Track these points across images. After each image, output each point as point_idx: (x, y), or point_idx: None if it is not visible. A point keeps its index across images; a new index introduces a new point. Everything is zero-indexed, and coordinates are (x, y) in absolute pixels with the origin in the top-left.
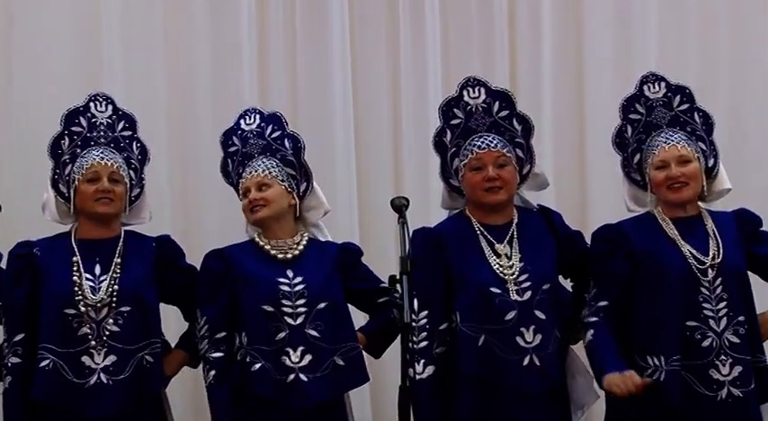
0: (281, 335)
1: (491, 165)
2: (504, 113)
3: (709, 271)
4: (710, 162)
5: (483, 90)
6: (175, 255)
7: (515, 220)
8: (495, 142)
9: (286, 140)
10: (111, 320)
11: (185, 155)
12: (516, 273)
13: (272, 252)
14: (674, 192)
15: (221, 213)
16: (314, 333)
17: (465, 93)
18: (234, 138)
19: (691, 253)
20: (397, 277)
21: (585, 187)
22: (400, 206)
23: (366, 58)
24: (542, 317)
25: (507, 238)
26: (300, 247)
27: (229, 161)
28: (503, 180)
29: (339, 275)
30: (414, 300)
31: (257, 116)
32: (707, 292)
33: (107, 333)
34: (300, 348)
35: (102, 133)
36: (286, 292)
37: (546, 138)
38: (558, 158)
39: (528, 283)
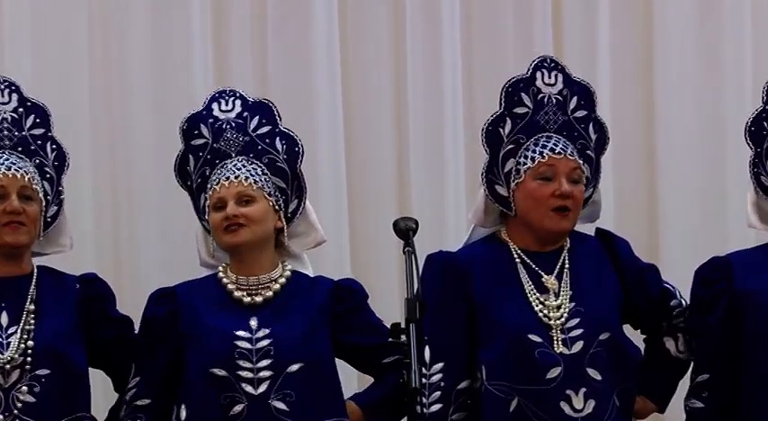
0: (237, 408)
1: (564, 178)
2: (581, 113)
3: None
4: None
5: (561, 77)
6: (105, 301)
7: (567, 246)
8: (570, 149)
9: (278, 140)
10: (24, 388)
11: (116, 161)
12: (565, 316)
13: (236, 294)
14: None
15: (167, 239)
16: (281, 406)
17: (539, 75)
18: (202, 126)
19: None
20: (402, 326)
21: (656, 207)
22: (407, 230)
23: (360, 46)
24: (597, 377)
25: (557, 270)
26: (277, 286)
27: (191, 157)
28: (575, 200)
29: (328, 326)
30: (425, 351)
31: (238, 102)
32: None
33: (18, 405)
34: None
35: (5, 132)
36: (244, 351)
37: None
38: (620, 170)
39: (579, 331)
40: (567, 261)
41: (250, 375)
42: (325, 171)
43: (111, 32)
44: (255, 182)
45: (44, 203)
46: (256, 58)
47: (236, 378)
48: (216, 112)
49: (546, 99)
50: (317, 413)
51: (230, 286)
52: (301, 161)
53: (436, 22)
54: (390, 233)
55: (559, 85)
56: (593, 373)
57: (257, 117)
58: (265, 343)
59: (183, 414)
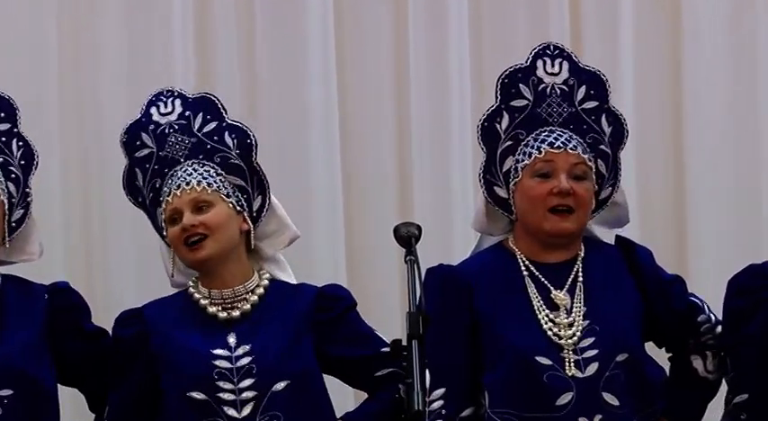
0: None
1: (564, 174)
2: (590, 104)
3: None
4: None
5: (566, 65)
6: (77, 312)
7: (581, 255)
8: (573, 142)
9: (226, 135)
10: None
11: (87, 160)
12: (578, 335)
13: (210, 309)
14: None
15: (142, 244)
16: None
17: (540, 64)
18: (143, 135)
19: None
20: (404, 342)
21: (684, 212)
22: (409, 237)
23: (358, 36)
24: (615, 402)
25: (569, 283)
26: (254, 298)
27: (138, 172)
28: (577, 199)
29: (312, 336)
30: (426, 374)
31: (177, 101)
32: None
33: None
34: None
35: None
36: (224, 371)
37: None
38: (645, 172)
39: (594, 352)
40: (580, 273)
41: (232, 397)
42: (318, 172)
43: (82, 20)
44: (209, 185)
45: (8, 206)
46: (243, 51)
47: (217, 401)
48: (156, 117)
49: (548, 90)
50: None
51: (203, 301)
52: (256, 153)
53: (442, 8)
54: (390, 240)
55: (564, 74)
56: (610, 398)
57: (200, 114)
58: (246, 361)
59: None
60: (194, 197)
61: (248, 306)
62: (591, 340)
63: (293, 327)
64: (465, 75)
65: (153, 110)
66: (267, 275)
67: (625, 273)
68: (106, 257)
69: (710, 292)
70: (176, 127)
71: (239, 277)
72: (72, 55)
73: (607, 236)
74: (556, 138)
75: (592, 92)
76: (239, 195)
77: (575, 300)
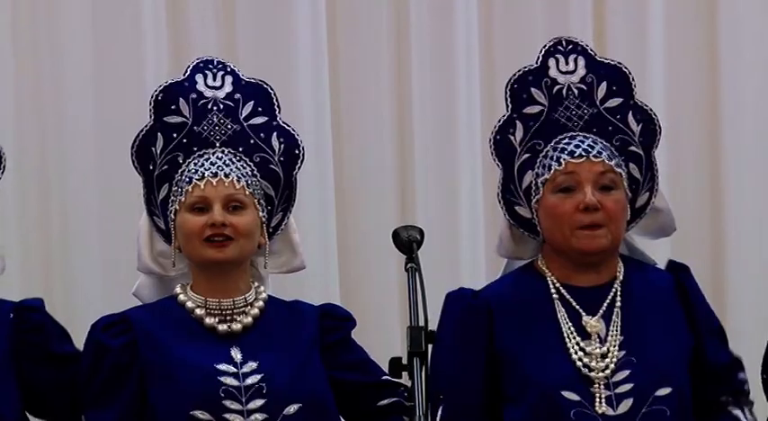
0: None
1: (590, 186)
2: (614, 102)
3: None
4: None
5: (582, 61)
6: (45, 333)
7: (620, 278)
8: (597, 148)
9: (274, 136)
10: None
11: (47, 166)
12: (612, 366)
13: (208, 320)
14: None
15: (107, 256)
16: None
17: (552, 62)
18: (181, 101)
19: None
20: (404, 361)
21: (722, 226)
22: (410, 242)
23: (354, 25)
24: None
25: (604, 309)
26: (255, 311)
27: (160, 137)
28: (607, 212)
29: (319, 357)
30: (438, 407)
31: (228, 78)
32: None
33: None
34: None
35: None
36: (231, 389)
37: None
38: (678, 179)
39: (629, 386)
40: (618, 297)
41: (239, 419)
42: (307, 171)
43: (40, 5)
44: (248, 185)
45: None
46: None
47: None
48: (200, 87)
49: (565, 90)
50: None
51: (198, 311)
52: (300, 167)
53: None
54: (389, 246)
55: (581, 72)
56: None
57: (252, 102)
58: (255, 379)
59: None
60: (230, 193)
61: (249, 319)
62: (626, 373)
63: (302, 348)
64: (473, 69)
65: (199, 77)
66: (264, 291)
67: (674, 301)
68: (66, 268)
69: (749, 307)
70: (221, 106)
71: (241, 289)
72: (28, 35)
73: (650, 247)
74: (577, 146)
75: (614, 88)
76: (264, 205)
77: (610, 328)
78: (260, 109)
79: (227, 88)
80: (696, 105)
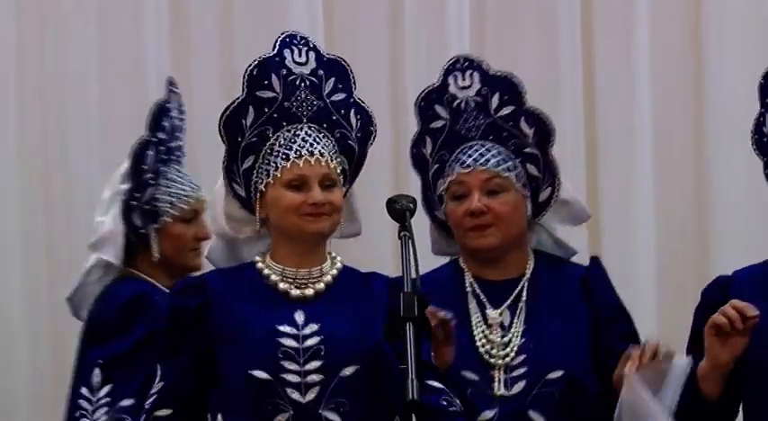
0: (281, 418)
1: (478, 192)
2: (507, 110)
3: None
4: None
5: (477, 76)
6: None
7: (528, 273)
8: (486, 157)
9: (353, 112)
10: None
11: (49, 151)
12: (511, 353)
13: (282, 286)
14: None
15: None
16: (333, 417)
17: (451, 80)
18: (273, 77)
19: None
20: (394, 326)
21: (706, 217)
22: (403, 211)
23: (349, 15)
24: None
25: (509, 301)
26: (328, 278)
27: (251, 110)
28: (495, 214)
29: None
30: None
31: (312, 54)
32: None
33: None
34: None
35: None
36: (290, 350)
37: (644, 144)
38: (664, 174)
39: (524, 369)
40: (524, 292)
41: (297, 379)
42: None
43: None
44: (339, 163)
45: None
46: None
47: (281, 382)
48: (288, 63)
49: (463, 104)
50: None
51: (273, 277)
52: (372, 143)
53: None
54: (383, 217)
55: (476, 86)
56: (537, 417)
57: (333, 79)
58: (314, 341)
59: None
60: (326, 173)
61: (322, 285)
62: (522, 358)
63: (367, 315)
64: None
65: (287, 52)
66: (339, 261)
67: (578, 296)
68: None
69: None
70: (307, 82)
71: (318, 259)
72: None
73: (575, 233)
74: (469, 156)
75: (506, 97)
76: (342, 179)
77: (515, 319)
78: (340, 85)
79: (312, 64)
80: (683, 106)
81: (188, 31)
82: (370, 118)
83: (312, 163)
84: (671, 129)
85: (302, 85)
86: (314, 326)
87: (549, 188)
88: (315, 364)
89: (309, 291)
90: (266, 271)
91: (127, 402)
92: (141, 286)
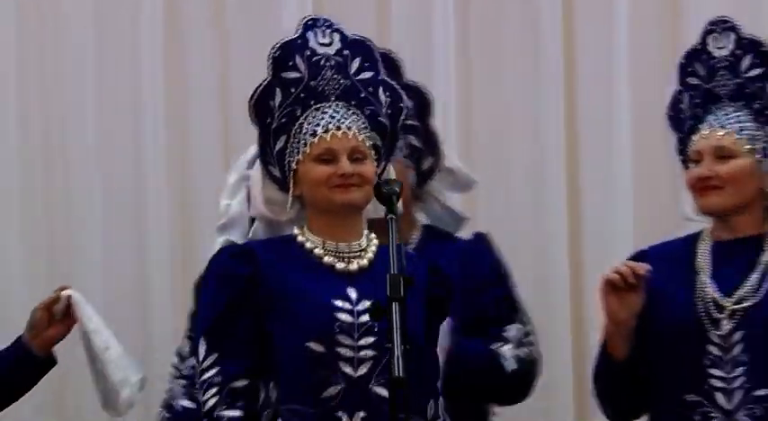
0: (332, 391)
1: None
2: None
3: (725, 321)
4: None
5: (338, 36)
6: None
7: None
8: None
9: (381, 90)
10: None
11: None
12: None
13: (327, 259)
14: (701, 196)
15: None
16: (383, 392)
17: (311, 36)
18: (297, 58)
19: (705, 292)
20: (383, 306)
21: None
22: (390, 195)
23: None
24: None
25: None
26: (369, 255)
27: (278, 91)
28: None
29: (429, 309)
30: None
31: (336, 35)
32: (718, 352)
33: None
34: (360, 415)
35: None
36: (345, 324)
37: (623, 133)
38: (643, 162)
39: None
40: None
41: (350, 354)
42: None
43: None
44: (367, 138)
45: None
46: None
47: (335, 355)
48: (312, 44)
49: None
50: (419, 402)
51: (317, 251)
52: (403, 120)
53: None
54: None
55: (337, 45)
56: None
57: (359, 58)
58: (368, 317)
59: (275, 394)
60: (355, 146)
61: (365, 261)
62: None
63: (411, 294)
64: (449, 65)
65: (310, 35)
66: (375, 238)
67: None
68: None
69: None
70: (332, 62)
71: (356, 233)
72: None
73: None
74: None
75: (367, 64)
76: (373, 154)
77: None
78: (366, 64)
79: (337, 45)
80: (661, 96)
81: (182, 31)
82: (399, 95)
83: (339, 136)
84: (649, 119)
85: (327, 64)
86: (366, 303)
87: (431, 158)
88: (368, 340)
89: (354, 266)
90: (308, 244)
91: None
92: None
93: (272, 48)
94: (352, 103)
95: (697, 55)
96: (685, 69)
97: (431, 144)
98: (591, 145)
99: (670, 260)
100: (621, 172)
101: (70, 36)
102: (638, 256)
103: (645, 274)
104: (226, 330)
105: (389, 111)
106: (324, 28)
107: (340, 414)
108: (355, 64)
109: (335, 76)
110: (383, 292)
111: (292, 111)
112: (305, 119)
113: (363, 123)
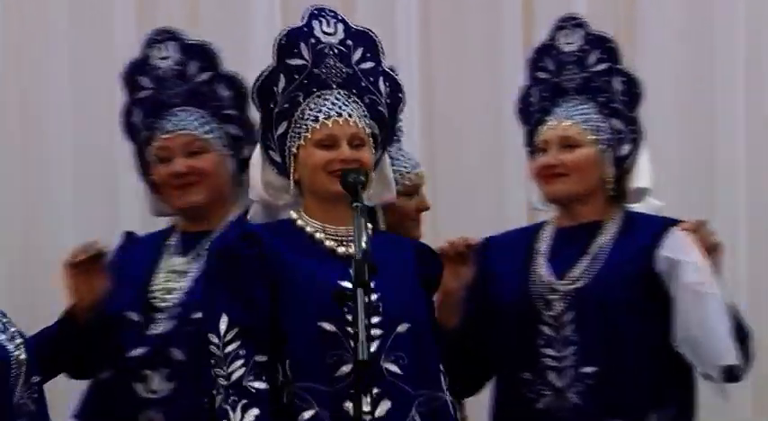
0: (345, 369)
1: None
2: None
3: (557, 303)
4: (624, 148)
5: (342, 27)
6: None
7: None
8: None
9: (381, 80)
10: None
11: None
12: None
13: (328, 243)
14: (546, 183)
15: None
16: (394, 369)
17: (316, 24)
18: (302, 46)
19: (540, 275)
20: (349, 291)
21: None
22: (355, 184)
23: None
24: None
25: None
26: (365, 238)
27: (282, 77)
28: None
29: (423, 287)
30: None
31: (340, 26)
32: (550, 332)
33: None
34: (374, 391)
35: None
36: (352, 305)
37: None
38: None
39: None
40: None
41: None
42: None
43: None
44: (366, 126)
45: None
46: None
47: (345, 334)
48: (317, 32)
49: (327, 49)
50: (425, 381)
51: (318, 235)
52: (402, 109)
53: None
54: None
55: (341, 35)
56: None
57: (361, 48)
58: (374, 298)
59: (290, 373)
60: (355, 132)
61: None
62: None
63: (408, 274)
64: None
65: (315, 23)
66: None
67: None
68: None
69: None
70: (336, 51)
71: (347, 220)
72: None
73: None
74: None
75: (368, 54)
76: (371, 143)
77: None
78: (368, 55)
79: (340, 35)
80: None
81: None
82: (399, 86)
83: (341, 123)
84: None
85: (331, 53)
86: (371, 284)
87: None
88: (375, 320)
89: (353, 250)
90: (308, 228)
91: None
92: None
93: (279, 35)
94: (354, 91)
95: (547, 50)
96: (536, 64)
97: (250, 133)
98: None
99: (512, 247)
100: None
101: (46, 33)
102: (483, 246)
103: (475, 246)
104: (244, 306)
105: (388, 102)
106: (329, 17)
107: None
108: (358, 54)
109: (338, 64)
110: (383, 274)
111: (295, 97)
112: (307, 105)
113: (363, 111)
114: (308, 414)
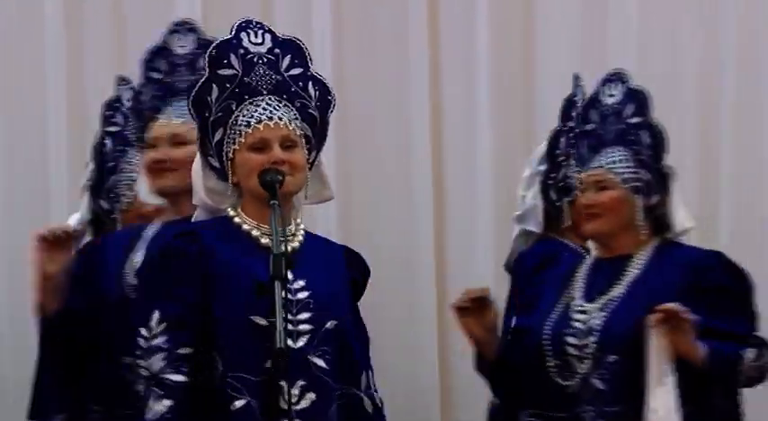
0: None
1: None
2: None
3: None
4: (653, 198)
5: (269, 37)
6: None
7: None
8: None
9: (310, 84)
10: None
11: None
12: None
13: (264, 240)
14: (586, 222)
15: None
16: (321, 363)
17: (244, 36)
18: (232, 56)
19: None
20: (265, 284)
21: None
22: (272, 183)
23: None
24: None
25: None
26: (299, 238)
27: (215, 87)
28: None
29: (350, 290)
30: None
31: (267, 36)
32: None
33: None
34: (300, 383)
35: None
36: (283, 300)
37: (483, 133)
38: (502, 158)
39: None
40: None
41: (289, 327)
42: None
43: None
44: (297, 127)
45: None
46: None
47: (276, 329)
48: (246, 43)
49: (256, 59)
50: (344, 377)
51: (255, 233)
52: (332, 110)
53: None
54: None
55: (269, 44)
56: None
57: (289, 56)
58: (304, 295)
59: (222, 364)
60: (286, 134)
61: (297, 244)
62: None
63: (337, 275)
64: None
65: (243, 35)
66: (302, 224)
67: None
68: None
69: None
70: (265, 60)
71: (286, 219)
72: None
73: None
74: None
75: (296, 61)
76: (306, 145)
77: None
78: (296, 61)
79: (268, 44)
80: (516, 96)
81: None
82: (327, 88)
83: (272, 126)
84: (507, 118)
85: (260, 61)
86: (301, 282)
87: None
88: (304, 315)
89: (288, 248)
90: (245, 226)
91: None
92: (554, 245)
93: (209, 47)
94: (284, 96)
95: (591, 103)
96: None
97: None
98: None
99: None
100: (483, 170)
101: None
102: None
103: (482, 295)
104: (175, 302)
105: (319, 104)
106: (256, 29)
107: (282, 383)
108: (286, 61)
109: (268, 72)
110: (315, 273)
111: (228, 105)
112: (240, 112)
113: (294, 115)
114: (239, 403)
